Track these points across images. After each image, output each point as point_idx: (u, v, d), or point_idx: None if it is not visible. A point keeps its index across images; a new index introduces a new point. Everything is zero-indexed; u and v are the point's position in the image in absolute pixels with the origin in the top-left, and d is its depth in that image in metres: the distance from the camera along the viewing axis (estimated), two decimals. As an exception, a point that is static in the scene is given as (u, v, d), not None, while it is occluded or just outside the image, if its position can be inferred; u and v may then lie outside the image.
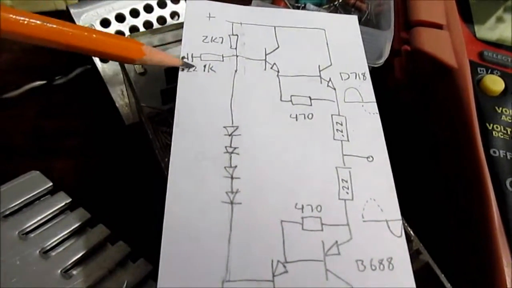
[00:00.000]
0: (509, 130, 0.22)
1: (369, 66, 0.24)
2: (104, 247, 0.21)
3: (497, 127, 0.22)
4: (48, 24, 0.17)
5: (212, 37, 0.23)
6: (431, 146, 0.24)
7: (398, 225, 0.18)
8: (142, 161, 0.25)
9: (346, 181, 0.19)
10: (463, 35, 0.25)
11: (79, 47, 0.18)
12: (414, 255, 0.18)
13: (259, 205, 0.18)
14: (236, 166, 0.19)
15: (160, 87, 0.26)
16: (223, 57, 0.22)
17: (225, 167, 0.19)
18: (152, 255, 0.17)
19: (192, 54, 0.22)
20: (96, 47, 0.18)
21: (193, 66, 0.21)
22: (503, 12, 0.29)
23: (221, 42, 0.23)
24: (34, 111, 0.27)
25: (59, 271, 0.19)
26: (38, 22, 0.17)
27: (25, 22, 0.16)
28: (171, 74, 0.25)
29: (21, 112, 0.27)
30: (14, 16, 0.16)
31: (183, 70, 0.21)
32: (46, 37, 0.17)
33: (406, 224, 0.18)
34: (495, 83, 0.23)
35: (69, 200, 0.22)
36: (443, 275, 0.17)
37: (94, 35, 0.18)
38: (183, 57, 0.21)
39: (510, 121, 0.22)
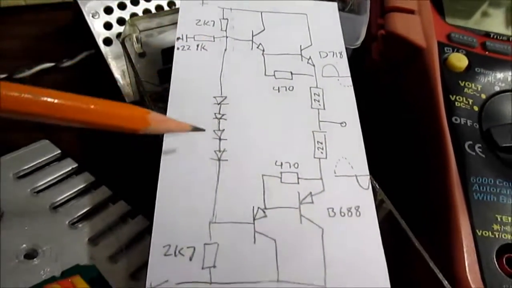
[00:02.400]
0: (470, 101, 0.24)
1: (348, 49, 0.27)
2: (107, 205, 0.23)
3: (459, 98, 0.24)
4: (40, 98, 0.15)
5: (204, 21, 0.25)
6: (403, 118, 0.27)
7: (366, 179, 0.20)
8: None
9: (321, 143, 0.21)
10: (434, 21, 0.28)
11: (74, 120, 0.16)
12: (379, 205, 0.20)
13: (243, 162, 0.20)
14: (223, 130, 0.21)
15: (157, 68, 0.28)
16: (214, 38, 0.25)
17: (214, 130, 0.21)
18: (150, 213, 0.18)
19: (186, 35, 0.24)
20: (93, 119, 0.16)
21: (203, 130, 0.20)
22: (487, 7, 0.32)
23: (213, 25, 0.25)
24: (43, 90, 0.30)
25: (67, 222, 0.22)
26: (29, 96, 0.14)
27: (19, 96, 0.14)
28: (167, 56, 0.28)
29: (32, 91, 0.29)
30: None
31: (178, 49, 0.24)
32: (39, 112, 0.15)
33: (373, 179, 0.20)
34: (459, 60, 0.25)
35: (75, 165, 0.25)
36: (403, 221, 0.20)
37: (91, 106, 0.16)
38: (192, 128, 0.20)
39: (472, 93, 0.24)
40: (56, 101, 0.15)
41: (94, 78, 0.30)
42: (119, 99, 0.29)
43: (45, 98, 0.15)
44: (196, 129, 0.19)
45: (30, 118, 0.15)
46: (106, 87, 0.30)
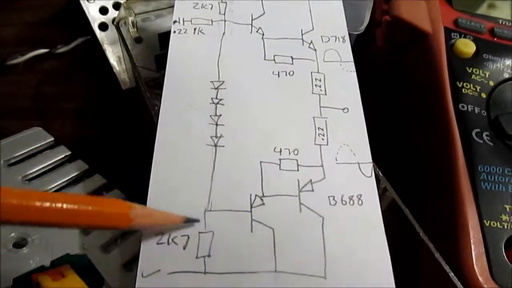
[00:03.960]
0: (478, 87, 0.23)
1: (351, 35, 0.26)
2: (100, 194, 0.23)
3: (466, 85, 0.23)
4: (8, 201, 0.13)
5: (202, 4, 0.25)
6: (408, 105, 0.26)
7: (368, 167, 0.20)
8: (135, 121, 0.27)
9: (322, 129, 0.21)
10: (441, 7, 0.27)
11: (44, 223, 0.14)
12: (382, 193, 0.19)
13: (240, 148, 0.20)
14: (220, 115, 0.20)
15: (154, 53, 0.27)
16: (212, 21, 0.24)
17: (210, 116, 0.20)
18: (144, 201, 0.18)
19: (183, 18, 0.24)
20: (65, 221, 0.14)
21: (198, 220, 0.17)
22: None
23: (211, 9, 0.24)
24: (36, 77, 0.29)
25: (59, 210, 0.21)
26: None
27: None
28: (165, 40, 0.27)
29: (25, 78, 0.29)
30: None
31: (174, 32, 0.23)
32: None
33: (376, 166, 0.20)
34: (466, 46, 0.24)
35: (69, 152, 0.24)
36: (407, 210, 0.19)
37: (62, 206, 0.14)
38: (185, 220, 0.17)
39: (479, 80, 0.23)
40: (25, 203, 0.13)
41: (90, 65, 0.30)
42: (114, 85, 0.29)
43: (12, 201, 0.13)
44: (189, 220, 0.17)
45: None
46: (101, 73, 0.29)
